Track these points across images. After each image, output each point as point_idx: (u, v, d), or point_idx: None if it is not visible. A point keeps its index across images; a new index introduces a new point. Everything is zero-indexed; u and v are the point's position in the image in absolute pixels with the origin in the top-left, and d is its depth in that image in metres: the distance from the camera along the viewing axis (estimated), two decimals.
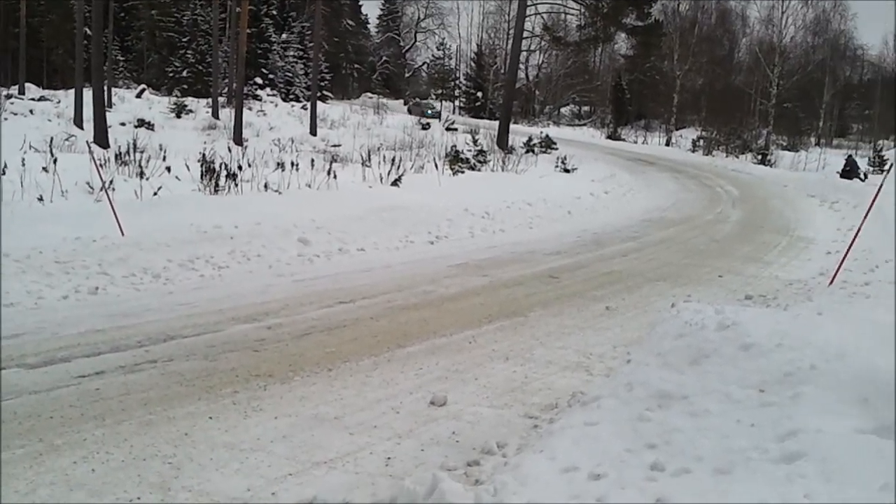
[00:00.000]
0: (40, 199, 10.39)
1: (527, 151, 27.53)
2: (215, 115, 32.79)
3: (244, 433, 4.49)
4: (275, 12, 52.44)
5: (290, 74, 50.21)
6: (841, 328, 4.07)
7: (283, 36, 52.01)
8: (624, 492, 3.00)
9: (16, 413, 4.60)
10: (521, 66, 56.15)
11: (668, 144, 45.67)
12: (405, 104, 58.88)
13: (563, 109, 64.95)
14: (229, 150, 17.10)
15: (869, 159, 33.26)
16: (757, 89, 47.39)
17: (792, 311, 6.37)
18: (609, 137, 48.36)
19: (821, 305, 7.33)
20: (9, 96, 29.52)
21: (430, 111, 50.40)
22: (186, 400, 4.95)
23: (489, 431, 4.65)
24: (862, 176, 27.95)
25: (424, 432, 4.62)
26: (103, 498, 3.69)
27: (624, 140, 47.59)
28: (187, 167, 12.69)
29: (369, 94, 62.62)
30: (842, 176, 27.97)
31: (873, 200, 9.93)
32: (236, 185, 12.48)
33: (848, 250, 9.89)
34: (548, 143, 30.09)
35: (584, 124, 58.18)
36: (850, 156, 31.98)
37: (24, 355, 5.57)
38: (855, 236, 9.93)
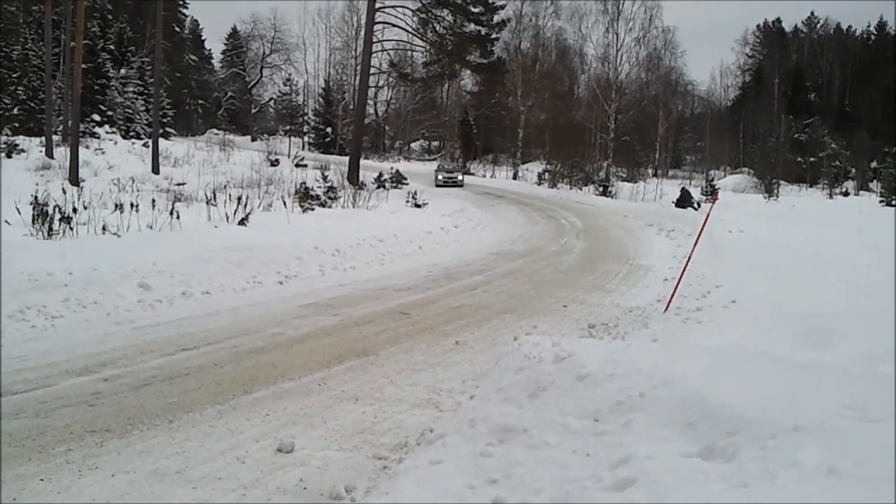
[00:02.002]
0: None
1: (378, 187, 27.73)
2: (49, 154, 31.17)
3: (78, 494, 4.25)
4: (112, 47, 50.61)
5: (131, 111, 48.49)
6: (670, 355, 4.28)
7: (123, 71, 50.21)
8: None
9: None
10: (370, 102, 56.58)
11: (515, 178, 47.07)
12: (252, 140, 58.01)
13: (413, 144, 65.76)
14: (64, 192, 16.26)
15: (701, 189, 35.40)
16: (596, 123, 49.50)
17: (627, 339, 6.64)
18: None
19: (655, 332, 7.70)
20: None
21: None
22: (15, 461, 4.63)
23: (338, 475, 4.59)
24: (695, 205, 29.71)
25: (271, 481, 4.51)
26: None
27: (473, 174, 48.67)
28: (18, 210, 12.00)
29: (215, 131, 61.33)
30: (677, 205, 29.66)
31: (702, 229, 10.56)
32: (71, 228, 11.90)
33: (680, 278, 10.45)
34: (398, 179, 30.44)
35: (434, 159, 59.07)
36: (683, 187, 33.99)
37: None
38: (686, 264, 10.51)
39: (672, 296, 10.05)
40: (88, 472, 4.55)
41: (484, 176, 48.75)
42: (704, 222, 10.58)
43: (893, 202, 39.45)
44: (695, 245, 10.51)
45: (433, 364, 7.33)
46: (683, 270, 10.49)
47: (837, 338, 6.75)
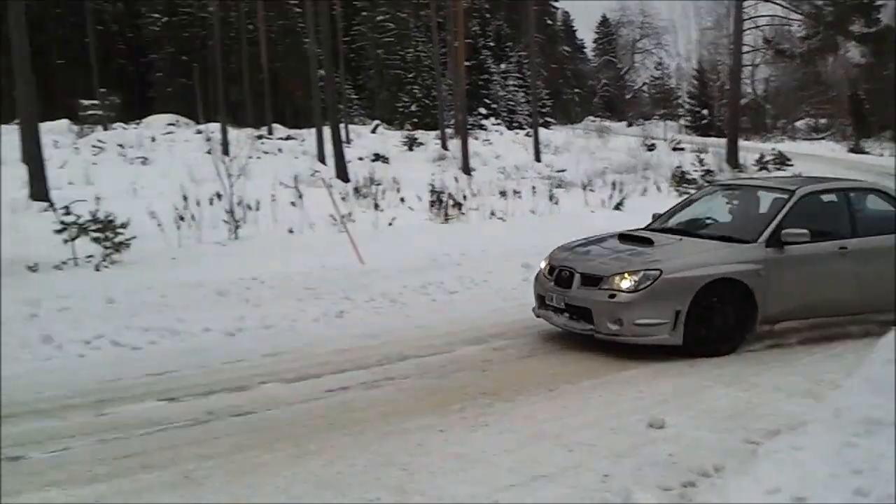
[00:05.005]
0: (290, 231, 11.55)
1: (759, 169, 26.55)
2: (444, 146, 33.89)
3: (471, 446, 4.79)
4: (492, 44, 53.65)
5: (513, 103, 51.15)
6: None
7: (503, 66, 53.06)
8: None
9: (278, 420, 5.28)
10: (747, 81, 53.86)
11: None
12: (628, 125, 58.16)
13: (797, 123, 61.41)
14: (456, 180, 17.88)
15: None
16: None
17: None
18: (851, 151, 45.32)
19: None
20: (259, 137, 31.91)
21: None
22: (419, 414, 5.35)
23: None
24: None
25: (642, 452, 4.71)
26: (348, 497, 4.14)
27: (868, 153, 44.34)
28: (419, 198, 13.51)
29: (591, 118, 62.46)
30: None
31: None
32: (463, 213, 13.14)
33: None
34: (781, 160, 28.78)
35: (823, 138, 54.68)
36: None
37: (282, 371, 6.33)
38: None
39: None
40: (480, 427, 5.10)
41: (881, 155, 44.10)
42: None
43: None
44: None
45: None
46: None
47: None
